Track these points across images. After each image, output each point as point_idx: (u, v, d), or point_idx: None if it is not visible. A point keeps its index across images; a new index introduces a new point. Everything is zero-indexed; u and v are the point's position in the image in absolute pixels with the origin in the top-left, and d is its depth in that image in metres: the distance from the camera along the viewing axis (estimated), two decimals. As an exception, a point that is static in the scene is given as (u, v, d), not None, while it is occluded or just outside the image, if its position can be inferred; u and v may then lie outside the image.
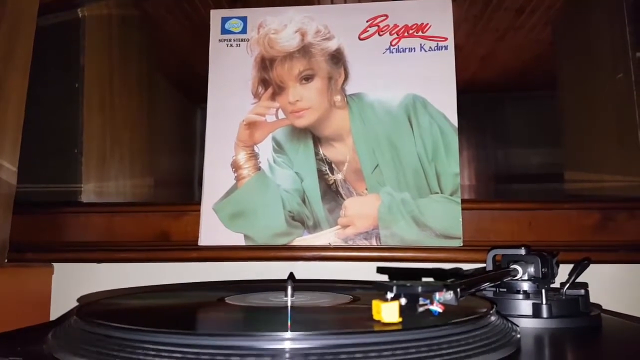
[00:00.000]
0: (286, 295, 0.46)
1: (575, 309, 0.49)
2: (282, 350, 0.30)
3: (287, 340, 0.31)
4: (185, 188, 1.50)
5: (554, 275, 0.52)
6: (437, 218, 0.70)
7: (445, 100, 0.74)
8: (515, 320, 0.45)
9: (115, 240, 0.79)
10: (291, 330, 0.32)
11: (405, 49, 0.76)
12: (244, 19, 0.79)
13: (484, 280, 0.45)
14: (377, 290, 0.36)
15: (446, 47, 0.75)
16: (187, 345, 0.31)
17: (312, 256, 0.73)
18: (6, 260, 0.72)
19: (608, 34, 0.96)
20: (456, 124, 0.72)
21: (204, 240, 0.73)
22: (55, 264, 0.79)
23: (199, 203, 0.75)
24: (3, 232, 0.71)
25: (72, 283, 0.78)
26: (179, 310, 0.48)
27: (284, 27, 0.78)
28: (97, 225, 0.79)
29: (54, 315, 0.77)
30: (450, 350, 0.31)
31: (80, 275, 0.79)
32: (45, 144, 0.93)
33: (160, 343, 0.32)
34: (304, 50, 0.77)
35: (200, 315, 0.46)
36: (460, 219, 0.70)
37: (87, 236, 0.79)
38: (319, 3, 1.11)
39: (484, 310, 0.39)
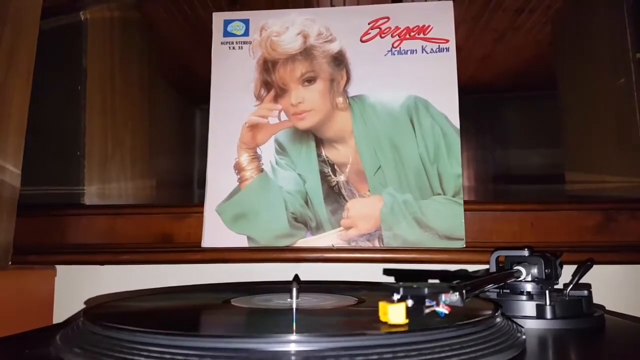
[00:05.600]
0: (291, 297, 0.47)
1: (579, 310, 0.49)
2: (297, 353, 0.30)
3: (293, 343, 0.31)
4: (186, 190, 1.50)
5: (557, 277, 0.52)
6: (440, 219, 0.70)
7: (446, 102, 0.74)
8: (519, 321, 0.45)
9: (118, 242, 0.79)
10: (297, 333, 0.32)
11: (407, 50, 0.76)
12: (246, 22, 0.80)
13: (488, 282, 0.45)
14: (384, 292, 0.37)
15: (447, 49, 0.76)
16: (195, 348, 0.31)
17: (315, 257, 0.73)
18: (10, 263, 0.72)
19: (608, 34, 0.96)
20: (458, 126, 0.73)
21: (207, 242, 0.73)
22: (58, 267, 0.79)
23: (201, 205, 0.75)
24: (7, 234, 0.71)
25: (75, 285, 0.79)
26: (185, 312, 0.48)
27: (286, 30, 0.78)
28: (100, 228, 0.80)
29: (57, 317, 0.78)
30: (458, 352, 0.32)
31: (83, 278, 0.79)
32: (48, 147, 0.93)
33: (167, 345, 0.32)
34: (306, 52, 0.77)
35: (207, 318, 0.46)
36: (463, 220, 0.70)
37: (89, 238, 0.79)
38: (318, 5, 1.11)
39: (490, 311, 0.39)
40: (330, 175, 0.74)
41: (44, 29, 0.78)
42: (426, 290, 0.35)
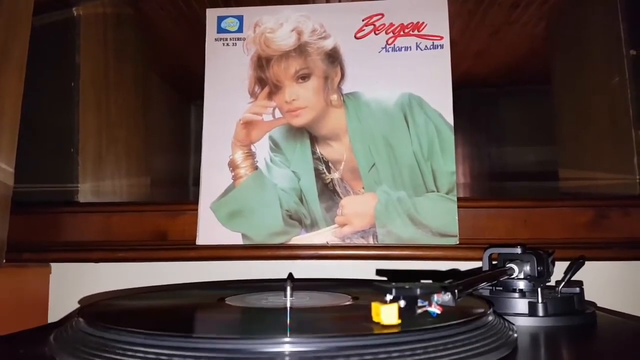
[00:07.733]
0: (285, 296, 0.47)
1: (571, 307, 0.50)
2: (290, 353, 0.31)
3: (287, 344, 0.31)
4: (180, 187, 1.50)
5: (549, 274, 0.52)
6: (433, 216, 0.71)
7: (440, 99, 0.74)
8: (511, 318, 0.46)
9: (113, 240, 0.79)
10: (291, 334, 0.33)
11: (401, 47, 0.76)
12: (240, 18, 0.79)
13: (480, 281, 0.46)
14: (377, 292, 0.37)
15: (442, 46, 0.76)
16: (191, 349, 0.31)
17: (310, 255, 0.73)
18: (4, 261, 0.72)
19: (602, 31, 0.97)
20: (452, 123, 0.73)
21: (202, 239, 0.74)
22: (52, 264, 0.79)
23: (196, 202, 0.75)
24: (1, 232, 0.71)
25: (70, 283, 0.78)
26: (180, 311, 0.48)
27: (280, 26, 0.78)
28: (95, 225, 0.79)
29: (52, 315, 0.78)
30: (451, 351, 0.32)
31: (78, 275, 0.79)
32: (42, 144, 0.92)
33: (162, 346, 0.32)
34: (300, 49, 0.77)
35: (201, 317, 0.46)
36: (456, 217, 0.70)
37: (84, 236, 0.79)
38: (314, 2, 1.11)
39: (482, 310, 0.40)
40: (324, 173, 0.74)
41: (37, 25, 0.77)
42: (418, 291, 0.35)
